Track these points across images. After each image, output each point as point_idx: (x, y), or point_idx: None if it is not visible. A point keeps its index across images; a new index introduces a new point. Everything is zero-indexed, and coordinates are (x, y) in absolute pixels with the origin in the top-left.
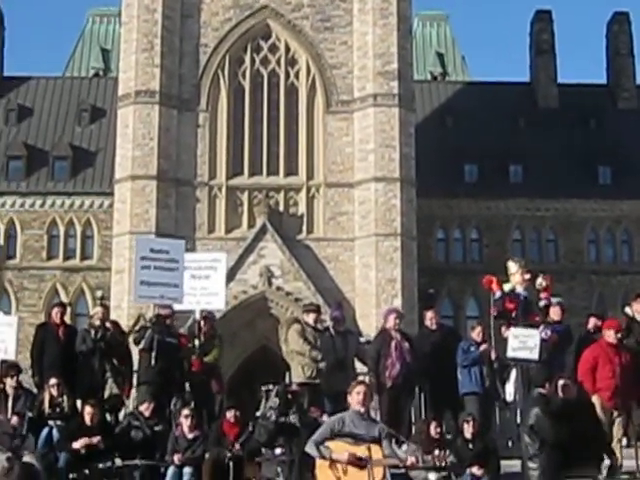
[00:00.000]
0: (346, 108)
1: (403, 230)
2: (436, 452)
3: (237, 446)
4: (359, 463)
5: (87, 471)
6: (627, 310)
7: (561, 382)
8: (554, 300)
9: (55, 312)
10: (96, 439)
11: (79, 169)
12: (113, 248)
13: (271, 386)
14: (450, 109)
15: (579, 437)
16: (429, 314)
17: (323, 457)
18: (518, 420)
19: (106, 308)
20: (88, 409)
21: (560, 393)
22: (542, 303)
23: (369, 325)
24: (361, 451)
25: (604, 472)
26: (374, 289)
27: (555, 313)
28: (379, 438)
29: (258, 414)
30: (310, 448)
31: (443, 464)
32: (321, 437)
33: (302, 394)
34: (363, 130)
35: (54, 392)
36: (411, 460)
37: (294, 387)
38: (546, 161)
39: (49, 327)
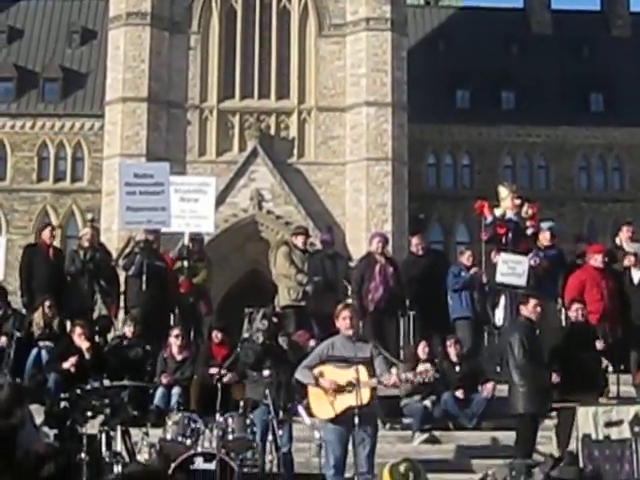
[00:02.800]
0: (338, 32)
1: (394, 155)
2: (420, 367)
3: (223, 370)
4: (343, 389)
5: (77, 391)
6: (616, 239)
7: (576, 306)
8: (544, 225)
9: (46, 233)
10: (76, 358)
11: (69, 91)
12: (103, 170)
13: (253, 309)
14: (443, 34)
15: (582, 363)
16: (414, 240)
17: (309, 383)
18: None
19: (95, 230)
20: (78, 330)
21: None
22: (529, 231)
23: (359, 249)
24: (349, 374)
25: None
26: (364, 214)
27: (545, 238)
28: (370, 359)
29: (245, 336)
30: (300, 374)
31: (427, 379)
32: (311, 363)
33: (288, 316)
34: (355, 54)
35: (49, 313)
36: (394, 379)
37: (278, 309)
38: (538, 87)
39: (38, 248)
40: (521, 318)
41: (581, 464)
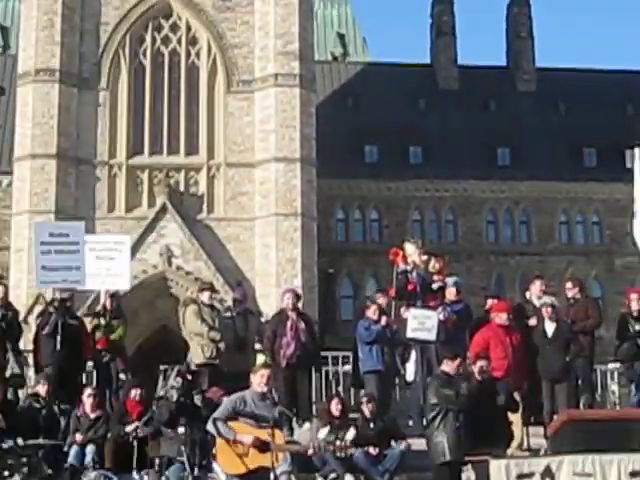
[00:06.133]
0: (247, 88)
1: (303, 210)
2: (337, 442)
3: (139, 425)
4: (262, 447)
5: None
6: (527, 293)
7: (480, 363)
8: (450, 280)
9: None
10: None
11: None
12: (12, 227)
13: (169, 367)
14: (351, 90)
15: (489, 415)
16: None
17: (226, 437)
18: (420, 399)
19: (5, 287)
20: None
21: (477, 375)
22: (435, 285)
23: (269, 305)
24: (263, 434)
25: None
26: (274, 269)
27: (451, 293)
28: (279, 420)
29: (160, 394)
30: (211, 426)
31: (344, 453)
32: (223, 415)
33: (202, 374)
34: (264, 110)
35: None
36: (312, 449)
37: (193, 367)
38: (446, 142)
39: None
40: (439, 372)
41: None
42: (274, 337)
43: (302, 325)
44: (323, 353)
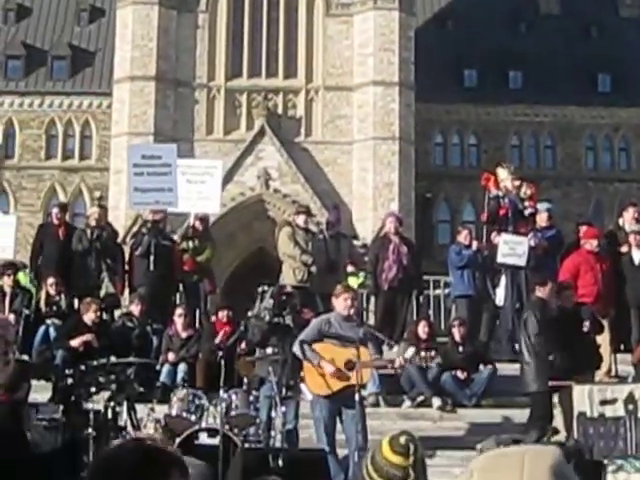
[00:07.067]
0: (346, 11)
1: (401, 134)
2: (422, 354)
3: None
4: (348, 365)
5: (83, 367)
6: (620, 220)
7: (567, 292)
8: (541, 206)
9: (55, 213)
10: (92, 336)
11: (78, 69)
12: (111, 148)
13: (267, 287)
14: (451, 13)
15: (574, 344)
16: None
17: (310, 361)
18: (508, 325)
19: (103, 208)
20: (93, 307)
21: (559, 300)
22: (527, 212)
23: (365, 228)
24: (349, 352)
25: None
26: (371, 192)
27: (542, 219)
28: (364, 340)
29: (250, 314)
30: (297, 348)
31: (430, 364)
32: (308, 337)
33: (296, 295)
34: (363, 33)
35: (51, 291)
36: (398, 362)
37: (288, 288)
38: (546, 67)
39: (48, 227)
40: (535, 299)
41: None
42: (376, 261)
43: (404, 249)
44: None
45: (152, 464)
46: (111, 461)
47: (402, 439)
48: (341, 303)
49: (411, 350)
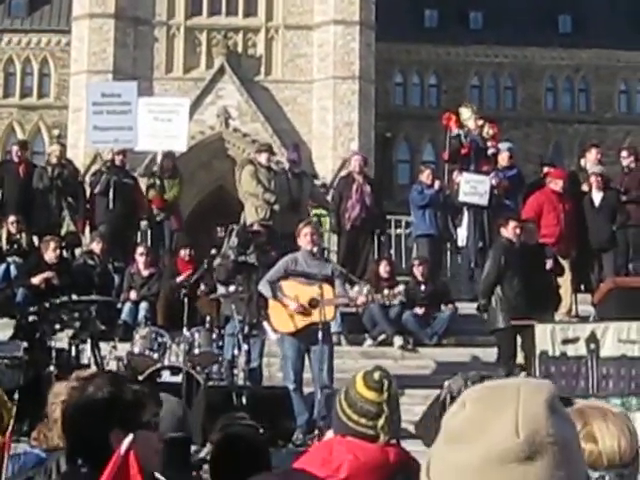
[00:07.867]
0: None
1: (361, 73)
2: (385, 291)
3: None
4: (312, 303)
5: (47, 305)
6: (582, 161)
7: (529, 225)
8: (502, 146)
9: (15, 150)
10: (52, 274)
11: (36, 6)
12: (70, 87)
13: (235, 225)
14: None
15: (535, 282)
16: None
17: (275, 298)
18: (471, 264)
19: (63, 146)
20: (52, 245)
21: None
22: (490, 151)
23: (325, 167)
24: (313, 290)
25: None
26: (331, 132)
27: (503, 159)
28: (331, 277)
29: (213, 252)
30: (263, 287)
31: (392, 302)
32: (274, 277)
33: (263, 234)
34: None
35: (12, 229)
36: (361, 299)
37: (255, 227)
38: (506, 8)
39: (8, 164)
40: (501, 239)
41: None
42: (340, 199)
43: (367, 188)
44: None
45: (127, 394)
46: (87, 393)
47: (376, 375)
48: (303, 239)
49: (366, 288)
